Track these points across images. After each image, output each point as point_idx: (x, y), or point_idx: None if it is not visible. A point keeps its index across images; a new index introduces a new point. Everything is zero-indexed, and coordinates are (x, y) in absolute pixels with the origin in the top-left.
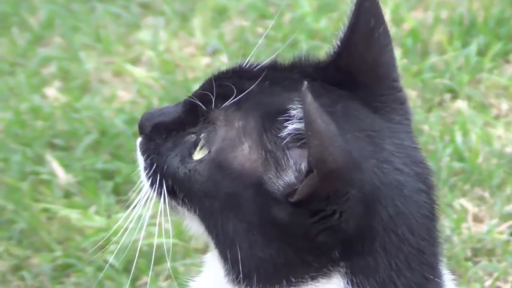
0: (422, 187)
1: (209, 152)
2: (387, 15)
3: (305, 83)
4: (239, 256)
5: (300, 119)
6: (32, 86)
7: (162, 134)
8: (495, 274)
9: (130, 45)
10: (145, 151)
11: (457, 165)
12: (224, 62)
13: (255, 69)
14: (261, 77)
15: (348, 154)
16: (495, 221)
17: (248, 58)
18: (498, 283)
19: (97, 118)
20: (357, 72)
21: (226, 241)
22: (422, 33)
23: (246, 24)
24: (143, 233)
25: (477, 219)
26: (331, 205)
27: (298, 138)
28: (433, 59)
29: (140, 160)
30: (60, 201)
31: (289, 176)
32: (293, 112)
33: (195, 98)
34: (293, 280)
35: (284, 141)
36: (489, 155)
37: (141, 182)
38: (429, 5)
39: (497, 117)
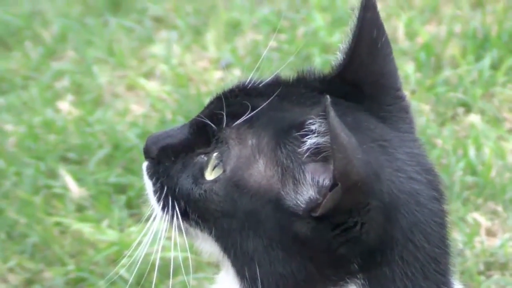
0: (435, 195)
1: (224, 171)
2: (401, 29)
3: (327, 97)
4: (258, 273)
5: (319, 133)
6: (45, 100)
7: (170, 157)
8: None
9: (143, 59)
10: (153, 174)
11: (470, 179)
12: (237, 76)
13: (260, 86)
14: (272, 94)
15: (369, 166)
16: (508, 235)
17: (251, 75)
18: None
19: (110, 132)
20: (362, 83)
21: (245, 259)
22: (435, 47)
23: (259, 38)
24: (158, 247)
25: (490, 233)
26: (353, 217)
27: (316, 153)
28: (447, 73)
29: (148, 184)
30: (73, 215)
31: (309, 191)
32: (312, 127)
33: (205, 118)
34: None
35: (303, 156)
36: (502, 169)
37: (151, 206)
38: (442, 19)
39: (510, 131)
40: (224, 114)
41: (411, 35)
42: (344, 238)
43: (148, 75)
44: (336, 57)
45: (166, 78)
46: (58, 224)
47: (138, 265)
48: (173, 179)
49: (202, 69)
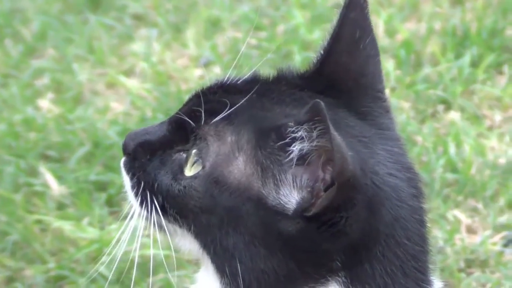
0: (414, 192)
1: (203, 167)
2: (380, 26)
3: (318, 101)
4: (239, 269)
5: (304, 138)
6: (25, 98)
7: (147, 153)
8: (489, 286)
9: (123, 57)
10: (130, 169)
11: (450, 176)
12: (217, 73)
13: (238, 83)
14: (250, 91)
15: (357, 161)
16: (488, 232)
17: (230, 72)
18: None
19: (90, 129)
20: (341, 81)
21: (225, 255)
22: (415, 44)
23: (239, 36)
24: (137, 244)
25: (471, 230)
26: (340, 212)
27: (299, 158)
28: (427, 70)
29: (126, 179)
30: (53, 212)
31: (294, 193)
32: (295, 135)
33: (183, 115)
34: None
35: (285, 159)
36: (482, 166)
37: (130, 202)
38: (422, 16)
39: (490, 128)
40: (202, 111)
41: (390, 32)
42: (329, 233)
43: (128, 72)
44: (317, 54)
45: (146, 75)
46: (38, 222)
47: (117, 263)
48: (150, 175)
49: (182, 66)
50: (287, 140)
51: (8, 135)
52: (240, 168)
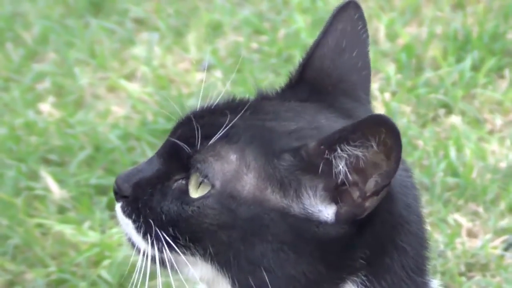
0: (415, 193)
1: (213, 186)
2: (382, 31)
3: (379, 115)
4: (267, 279)
5: (341, 156)
6: (27, 102)
7: (147, 190)
8: None
9: (124, 61)
10: (132, 212)
11: (451, 180)
12: (218, 77)
13: (221, 105)
14: (238, 111)
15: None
16: (489, 236)
17: (205, 100)
18: None
19: (91, 133)
20: (322, 85)
21: (250, 268)
22: (416, 49)
23: (240, 40)
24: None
25: (471, 234)
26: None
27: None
28: (428, 74)
29: (127, 224)
30: (54, 216)
31: (318, 205)
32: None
33: (179, 142)
34: None
35: (313, 176)
36: (483, 170)
37: (134, 247)
38: (423, 20)
39: (491, 132)
40: (198, 135)
41: (392, 36)
42: (359, 227)
43: (129, 76)
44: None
45: (147, 79)
46: (39, 225)
47: (118, 267)
48: (156, 210)
49: (183, 70)
50: (314, 160)
51: (9, 139)
52: (252, 183)
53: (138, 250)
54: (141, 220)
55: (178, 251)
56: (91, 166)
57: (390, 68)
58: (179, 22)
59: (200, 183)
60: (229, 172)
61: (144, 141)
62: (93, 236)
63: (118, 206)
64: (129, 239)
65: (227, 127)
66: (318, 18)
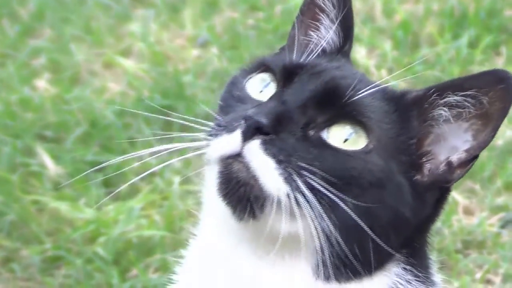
0: None
1: (370, 141)
2: (378, 7)
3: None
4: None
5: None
6: (22, 78)
7: (291, 132)
8: (486, 267)
9: (120, 37)
10: (276, 152)
11: None
12: (214, 54)
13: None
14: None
15: None
16: (485, 213)
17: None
18: (489, 276)
19: (87, 109)
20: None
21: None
22: (413, 25)
23: (236, 16)
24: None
25: (468, 212)
26: None
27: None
28: (424, 51)
29: (265, 162)
30: (50, 193)
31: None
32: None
33: (331, 89)
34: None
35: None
36: None
37: (269, 190)
38: None
39: None
40: (352, 87)
41: (388, 13)
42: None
43: (125, 53)
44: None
45: (143, 56)
46: (35, 202)
47: (114, 243)
48: (304, 154)
49: (179, 47)
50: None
51: (5, 115)
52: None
53: (263, 193)
54: (287, 162)
55: (315, 198)
56: (87, 142)
57: (387, 45)
58: None
59: (354, 136)
60: (385, 129)
61: (140, 117)
62: (88, 213)
63: (254, 142)
64: (254, 178)
65: (372, 85)
66: None
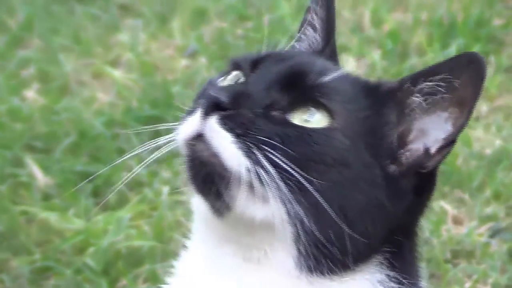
0: None
1: (334, 121)
2: (367, 16)
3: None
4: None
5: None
6: (11, 88)
7: (250, 108)
8: (475, 276)
9: (109, 47)
10: (234, 126)
11: None
12: (203, 64)
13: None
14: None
15: None
16: (474, 223)
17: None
18: (478, 286)
19: (76, 120)
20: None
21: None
22: (401, 35)
23: (225, 26)
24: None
25: (457, 221)
26: None
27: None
28: (413, 60)
29: (224, 138)
30: (39, 203)
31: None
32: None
33: (296, 72)
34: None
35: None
36: (469, 157)
37: (230, 166)
38: (409, 6)
39: (476, 119)
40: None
41: (377, 22)
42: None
43: (114, 63)
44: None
45: (132, 66)
46: (24, 212)
47: (103, 254)
48: (264, 130)
49: (168, 56)
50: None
51: None
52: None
53: (226, 171)
54: (245, 136)
55: (278, 176)
56: (76, 153)
57: (375, 54)
58: (163, 8)
59: (316, 114)
60: (352, 111)
61: (129, 128)
62: (78, 223)
63: (212, 119)
64: (214, 155)
65: (338, 69)
66: (303, 4)
